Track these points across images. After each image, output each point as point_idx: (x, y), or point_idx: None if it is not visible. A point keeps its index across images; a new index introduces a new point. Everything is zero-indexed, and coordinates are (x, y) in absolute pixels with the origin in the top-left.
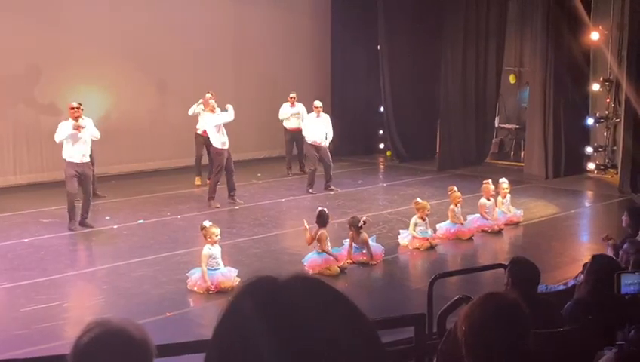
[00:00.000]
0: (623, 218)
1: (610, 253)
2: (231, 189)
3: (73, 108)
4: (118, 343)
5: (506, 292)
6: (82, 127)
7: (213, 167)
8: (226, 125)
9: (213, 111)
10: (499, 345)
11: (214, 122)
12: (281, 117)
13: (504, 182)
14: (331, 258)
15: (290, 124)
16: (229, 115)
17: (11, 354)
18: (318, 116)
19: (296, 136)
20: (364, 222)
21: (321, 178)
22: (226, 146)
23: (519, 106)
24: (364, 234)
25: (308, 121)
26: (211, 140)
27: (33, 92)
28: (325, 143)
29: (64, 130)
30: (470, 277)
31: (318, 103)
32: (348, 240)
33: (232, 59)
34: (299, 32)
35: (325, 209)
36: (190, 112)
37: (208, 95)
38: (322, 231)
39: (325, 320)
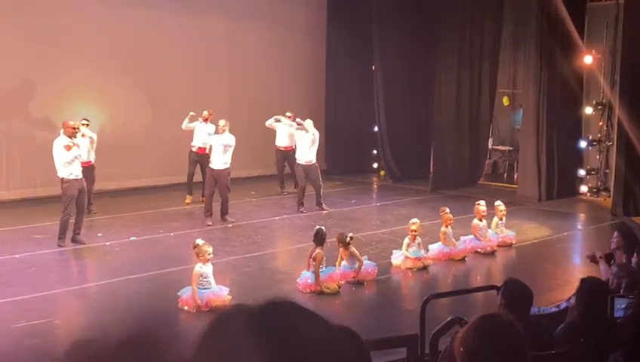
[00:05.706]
0: (614, 239)
1: (602, 271)
2: (223, 213)
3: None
4: None
5: (503, 314)
6: (71, 146)
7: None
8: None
9: (221, 132)
10: None
11: (222, 142)
12: (267, 124)
13: (500, 204)
14: (325, 277)
15: (281, 143)
16: (231, 139)
17: None
18: (306, 133)
19: (287, 154)
20: (351, 238)
21: (312, 197)
22: (227, 166)
23: (512, 128)
24: (352, 248)
25: (297, 140)
26: (212, 159)
27: (27, 107)
28: (312, 159)
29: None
30: (463, 298)
31: (307, 122)
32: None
33: (227, 77)
34: (294, 51)
35: (323, 228)
36: (183, 126)
37: (206, 112)
38: (318, 250)
39: (306, 343)
